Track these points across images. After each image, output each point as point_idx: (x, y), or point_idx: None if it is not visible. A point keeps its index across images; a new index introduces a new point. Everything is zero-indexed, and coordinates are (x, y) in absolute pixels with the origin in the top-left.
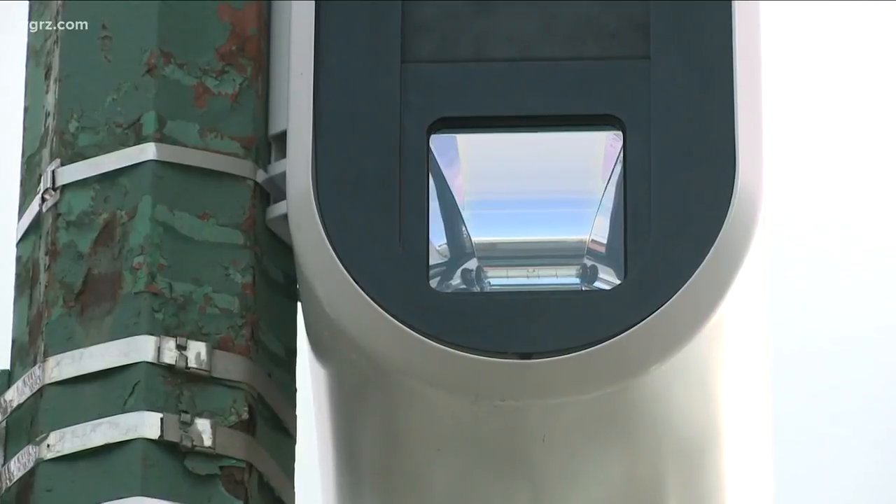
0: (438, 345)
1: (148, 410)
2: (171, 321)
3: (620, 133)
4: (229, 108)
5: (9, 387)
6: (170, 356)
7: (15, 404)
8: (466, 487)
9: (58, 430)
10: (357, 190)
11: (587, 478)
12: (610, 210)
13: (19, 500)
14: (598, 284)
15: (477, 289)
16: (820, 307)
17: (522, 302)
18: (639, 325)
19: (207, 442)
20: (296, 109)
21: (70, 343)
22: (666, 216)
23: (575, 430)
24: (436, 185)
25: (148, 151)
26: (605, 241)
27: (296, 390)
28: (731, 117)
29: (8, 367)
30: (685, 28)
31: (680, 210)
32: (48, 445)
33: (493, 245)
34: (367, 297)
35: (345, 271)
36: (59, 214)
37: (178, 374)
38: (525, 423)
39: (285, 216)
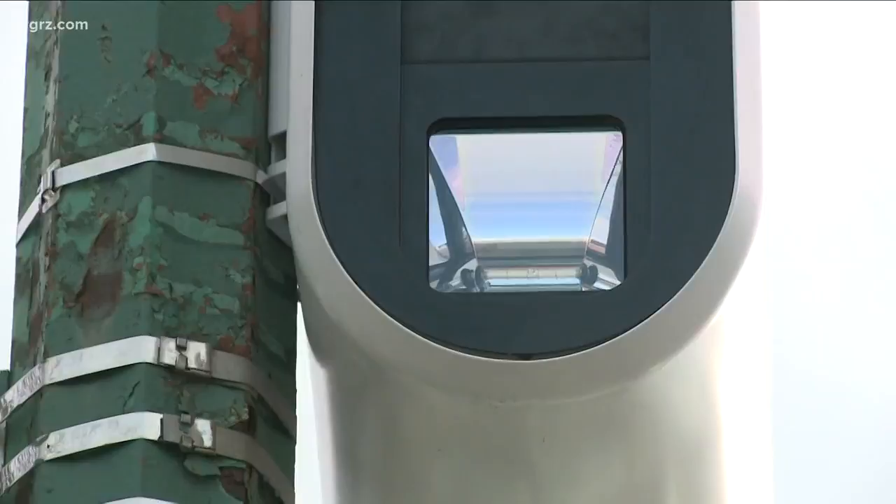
0: (438, 345)
1: (148, 411)
2: (171, 322)
3: (620, 134)
4: (229, 108)
5: (9, 387)
6: (170, 357)
7: (15, 405)
8: (466, 488)
9: (58, 431)
10: (357, 191)
11: (587, 478)
12: (610, 211)
13: (19, 501)
14: (597, 285)
15: (477, 289)
16: (820, 307)
17: (522, 302)
18: (639, 325)
19: (207, 442)
20: (296, 110)
21: (70, 343)
22: (666, 217)
23: (575, 430)
24: (436, 185)
25: (148, 152)
26: (604, 242)
27: (296, 391)
28: (731, 118)
29: (8, 367)
30: (685, 28)
31: (680, 211)
32: (48, 446)
33: (493, 246)
34: (367, 297)
35: (345, 272)
36: (59, 215)
37: (178, 375)
38: (525, 423)
39: (285, 217)
